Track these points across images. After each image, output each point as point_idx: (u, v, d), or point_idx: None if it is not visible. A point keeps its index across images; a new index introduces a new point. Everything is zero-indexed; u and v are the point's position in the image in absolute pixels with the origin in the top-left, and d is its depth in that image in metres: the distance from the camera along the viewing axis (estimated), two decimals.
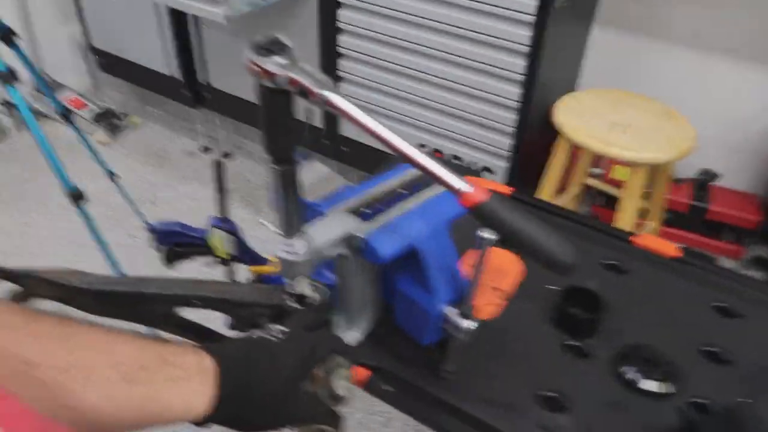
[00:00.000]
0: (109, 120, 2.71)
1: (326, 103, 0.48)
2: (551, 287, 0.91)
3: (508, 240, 0.48)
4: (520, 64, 1.60)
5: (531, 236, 0.47)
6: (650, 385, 0.76)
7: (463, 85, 1.73)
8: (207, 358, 0.47)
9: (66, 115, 1.72)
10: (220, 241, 0.82)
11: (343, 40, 1.88)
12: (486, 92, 1.70)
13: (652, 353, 0.79)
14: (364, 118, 0.49)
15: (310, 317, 0.60)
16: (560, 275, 0.48)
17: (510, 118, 1.71)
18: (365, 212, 0.71)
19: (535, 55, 1.56)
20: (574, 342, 0.83)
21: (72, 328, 0.42)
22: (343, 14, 1.83)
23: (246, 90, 2.20)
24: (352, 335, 0.79)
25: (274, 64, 0.47)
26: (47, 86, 1.72)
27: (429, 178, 0.77)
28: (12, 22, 1.64)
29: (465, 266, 0.78)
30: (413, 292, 0.72)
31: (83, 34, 2.61)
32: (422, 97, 1.84)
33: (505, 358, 0.80)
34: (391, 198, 0.74)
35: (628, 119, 1.59)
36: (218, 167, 0.77)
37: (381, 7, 1.74)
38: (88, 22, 2.53)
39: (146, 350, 0.43)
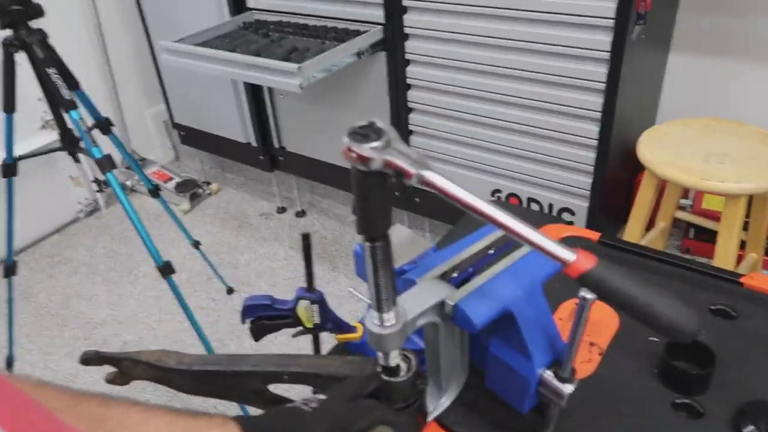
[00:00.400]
0: (190, 189, 2.85)
1: (423, 183, 0.47)
2: (653, 339, 0.84)
3: (622, 308, 0.45)
4: (596, 101, 1.56)
5: (647, 304, 0.43)
6: None
7: (537, 127, 1.70)
8: (234, 429, 0.49)
9: (154, 190, 1.82)
10: (306, 311, 0.81)
11: (413, 95, 1.91)
12: (562, 132, 1.66)
13: None
14: (462, 194, 0.47)
15: (355, 386, 0.58)
16: (683, 341, 0.43)
17: (588, 156, 1.65)
18: (454, 277, 0.69)
19: (611, 91, 1.52)
20: (686, 399, 0.75)
21: (111, 410, 0.46)
22: (411, 70, 1.86)
23: (317, 150, 2.27)
24: (440, 402, 0.76)
25: (370, 149, 0.47)
26: (137, 165, 1.83)
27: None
28: (106, 110, 1.78)
29: (558, 322, 0.74)
30: (508, 357, 0.68)
31: (167, 112, 2.79)
32: (495, 143, 1.82)
33: (609, 421, 0.74)
34: (481, 260, 0.72)
35: (723, 148, 1.49)
36: (305, 239, 0.77)
37: (449, 59, 1.75)
38: (171, 101, 2.70)
39: (175, 425, 0.47)
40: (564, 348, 0.65)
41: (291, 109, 2.27)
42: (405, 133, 1.99)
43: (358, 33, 1.82)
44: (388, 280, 0.56)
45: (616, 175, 1.76)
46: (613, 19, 1.43)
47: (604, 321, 0.90)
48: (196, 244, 2.06)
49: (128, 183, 2.97)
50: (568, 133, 1.65)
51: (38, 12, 1.27)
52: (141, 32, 2.55)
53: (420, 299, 0.64)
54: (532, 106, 1.68)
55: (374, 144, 0.46)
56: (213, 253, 2.46)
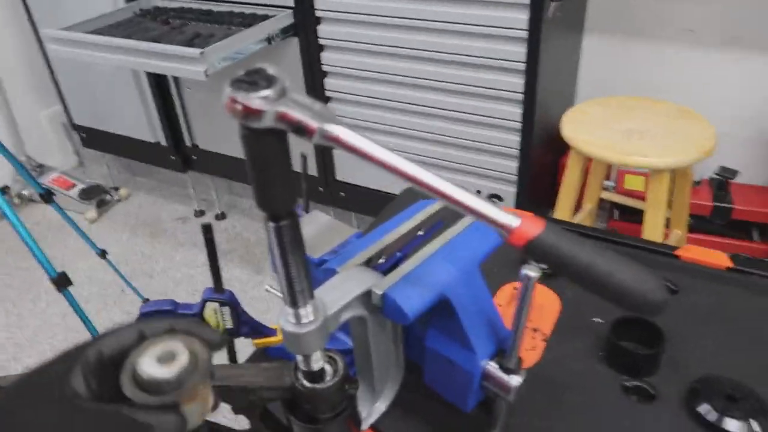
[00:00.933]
0: (97, 196, 2.62)
1: (329, 138, 0.38)
2: (597, 320, 0.79)
3: (576, 279, 0.38)
4: (518, 82, 1.52)
5: (607, 272, 0.36)
6: (734, 425, 0.64)
7: (461, 112, 1.65)
8: None
9: (46, 197, 1.64)
10: (215, 315, 0.71)
11: (330, 82, 1.81)
12: (485, 116, 1.62)
13: (730, 385, 0.67)
14: (378, 151, 0.39)
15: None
16: (648, 316, 0.37)
17: (513, 140, 1.62)
18: (381, 264, 0.61)
19: (532, 71, 1.48)
20: (636, 382, 0.71)
21: None
22: (327, 56, 1.76)
23: (233, 147, 2.13)
24: (374, 407, 0.67)
25: (259, 98, 0.37)
26: (26, 171, 1.64)
27: (448, 215, 0.67)
28: None
29: (498, 308, 0.68)
30: (447, 349, 0.60)
31: (65, 113, 2.56)
32: (419, 130, 1.76)
33: (560, 412, 0.68)
34: (410, 242, 0.64)
35: (642, 125, 1.49)
36: (207, 231, 0.67)
37: (365, 44, 1.67)
38: (68, 100, 2.47)
39: None
40: (508, 336, 0.58)
41: (201, 103, 2.12)
42: None
43: (266, 18, 1.71)
44: (300, 268, 0.46)
45: (542, 158, 1.74)
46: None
47: (546, 305, 0.84)
48: (103, 254, 1.88)
49: (25, 192, 2.71)
50: (491, 117, 1.61)
51: None
52: (26, 23, 2.31)
53: (342, 290, 0.55)
54: (455, 90, 1.62)
55: (264, 93, 0.36)
56: (124, 262, 2.27)
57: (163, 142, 2.31)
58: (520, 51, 1.47)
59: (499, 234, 0.39)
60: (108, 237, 2.46)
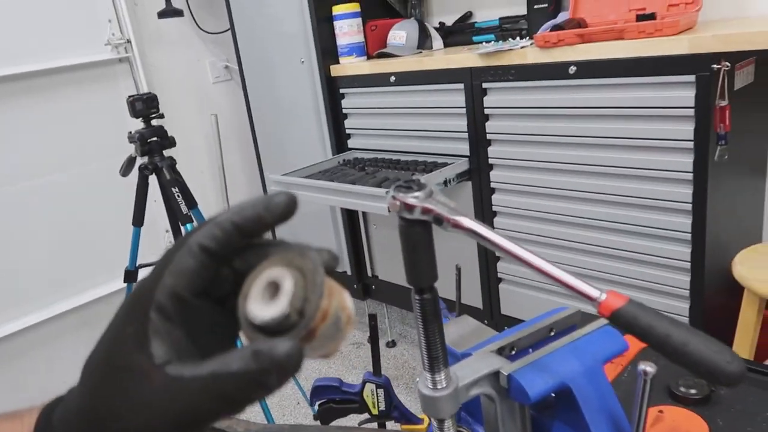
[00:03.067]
0: None
1: (458, 227, 0.51)
2: None
3: (655, 346, 0.44)
4: (684, 222, 1.53)
5: (682, 342, 0.43)
6: None
7: (628, 251, 1.68)
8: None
9: None
10: (371, 395, 0.83)
11: (499, 221, 1.97)
12: (654, 255, 1.63)
13: None
14: (496, 239, 0.51)
15: None
16: (726, 386, 0.41)
17: (683, 280, 1.59)
18: (513, 355, 0.70)
19: (700, 211, 1.49)
20: None
21: None
22: (497, 198, 1.94)
23: None
24: None
25: (412, 197, 0.53)
26: None
27: (581, 319, 0.75)
28: None
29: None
30: None
31: None
32: (588, 269, 1.79)
33: None
34: (541, 340, 0.72)
35: None
36: (372, 319, 0.81)
37: (533, 186, 1.82)
38: (277, 235, 2.94)
39: None
40: None
41: (384, 238, 2.39)
42: (494, 258, 2.02)
43: (445, 165, 1.95)
44: (437, 336, 0.58)
45: (716, 301, 1.66)
46: (691, 141, 1.45)
47: (691, 430, 0.83)
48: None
49: None
50: (660, 256, 1.61)
51: (171, 143, 1.52)
52: (256, 169, 2.87)
53: (473, 368, 0.64)
54: (622, 230, 1.67)
55: (416, 194, 0.52)
56: (302, 378, 2.50)
57: (349, 272, 2.60)
58: (686, 192, 1.51)
59: (591, 305, 0.47)
60: None
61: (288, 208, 0.38)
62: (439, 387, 0.61)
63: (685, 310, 1.62)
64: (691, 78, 1.41)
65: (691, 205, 1.51)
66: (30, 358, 2.48)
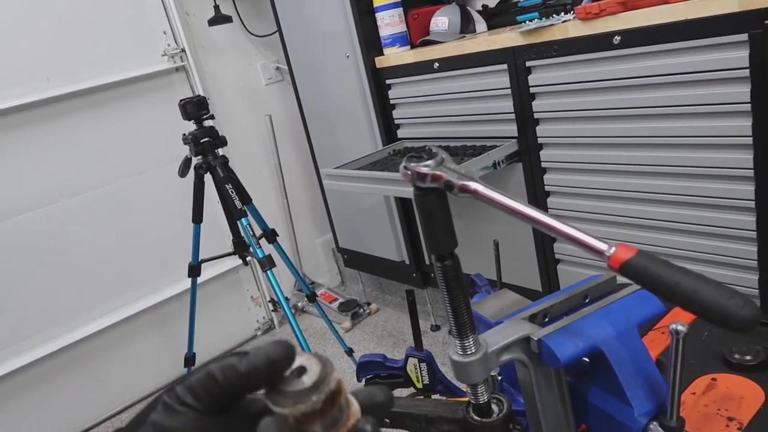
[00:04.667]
0: (352, 309, 3.04)
1: (465, 191, 0.53)
2: None
3: (666, 297, 0.44)
4: (748, 189, 1.47)
5: (692, 289, 0.42)
6: None
7: (689, 223, 1.62)
8: None
9: (311, 297, 2.00)
10: (415, 370, 0.85)
11: (552, 201, 1.94)
12: (718, 227, 1.57)
13: None
14: (507, 201, 0.52)
15: None
16: (739, 333, 0.40)
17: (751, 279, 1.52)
18: (546, 321, 0.70)
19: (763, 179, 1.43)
20: None
21: None
22: (549, 177, 1.91)
23: (463, 264, 2.33)
24: None
25: (423, 165, 0.55)
26: (302, 280, 2.04)
27: (614, 284, 0.74)
28: (282, 241, 2.04)
29: (691, 396, 0.68)
30: (607, 405, 0.65)
31: (333, 240, 3.10)
32: (648, 244, 1.75)
33: None
34: (575, 307, 0.72)
35: None
36: (410, 295, 0.83)
37: (585, 163, 1.78)
38: (336, 228, 3.00)
39: None
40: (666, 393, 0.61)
41: None
42: (550, 240, 1.99)
43: (494, 147, 1.94)
44: (462, 302, 0.60)
45: None
46: (749, 103, 1.39)
47: (747, 396, 0.80)
48: (350, 352, 2.17)
49: (299, 304, 3.25)
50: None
51: (223, 143, 1.59)
52: (311, 165, 2.95)
53: (503, 334, 0.66)
54: (682, 201, 1.61)
55: (427, 162, 0.53)
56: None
57: (407, 261, 2.63)
58: (747, 158, 1.44)
59: (600, 259, 0.48)
60: (357, 344, 2.80)
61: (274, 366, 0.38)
62: (468, 353, 0.62)
63: (754, 281, 1.55)
64: (744, 37, 1.34)
65: (752, 171, 1.44)
66: (109, 356, 2.65)
